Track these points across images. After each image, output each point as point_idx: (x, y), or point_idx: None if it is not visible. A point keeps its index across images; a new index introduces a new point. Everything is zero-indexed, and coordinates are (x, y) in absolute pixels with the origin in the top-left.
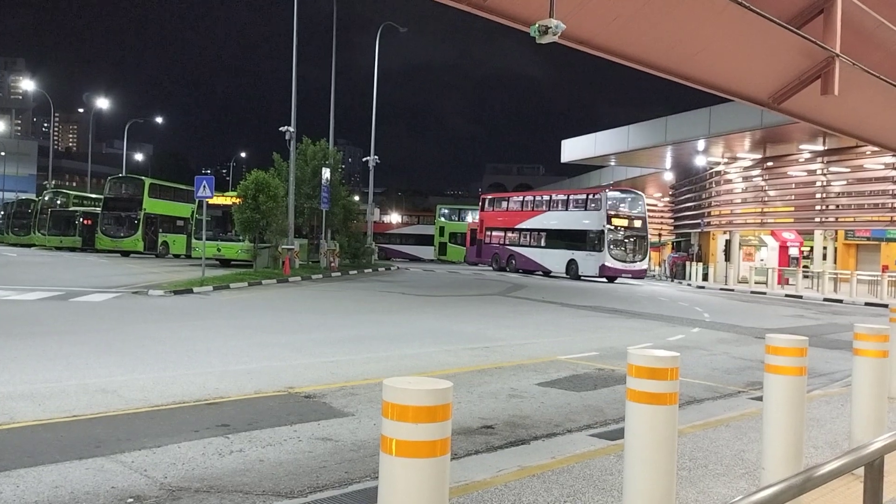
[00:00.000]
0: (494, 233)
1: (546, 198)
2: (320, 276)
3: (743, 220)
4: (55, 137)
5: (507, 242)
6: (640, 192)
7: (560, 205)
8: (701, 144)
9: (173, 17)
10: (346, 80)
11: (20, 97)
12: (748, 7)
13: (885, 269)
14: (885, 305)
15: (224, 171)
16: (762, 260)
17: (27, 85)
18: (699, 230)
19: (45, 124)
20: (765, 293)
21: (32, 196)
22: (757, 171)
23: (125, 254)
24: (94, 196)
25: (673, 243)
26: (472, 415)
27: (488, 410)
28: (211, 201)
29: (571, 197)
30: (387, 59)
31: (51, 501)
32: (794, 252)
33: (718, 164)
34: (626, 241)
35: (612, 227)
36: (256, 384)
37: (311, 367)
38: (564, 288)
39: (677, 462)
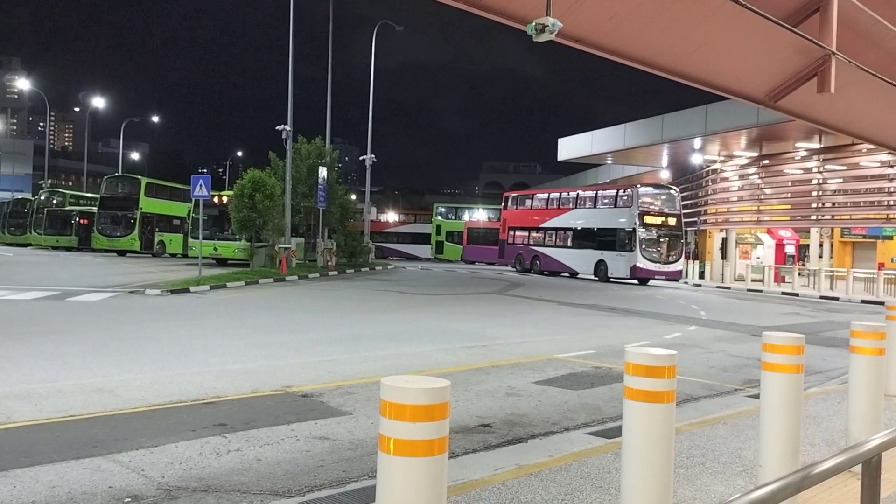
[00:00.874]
0: (518, 232)
1: (573, 195)
2: (317, 275)
3: (739, 218)
4: (51, 137)
5: (531, 242)
6: (674, 188)
7: (588, 202)
8: (697, 143)
9: (169, 16)
10: (342, 78)
11: (16, 96)
12: (744, 5)
13: (881, 266)
14: (882, 303)
15: (220, 169)
16: (758, 258)
17: (23, 84)
18: (696, 228)
19: (41, 123)
20: (761, 291)
21: (29, 195)
22: (753, 170)
23: (122, 253)
24: (90, 195)
25: None
26: (470, 413)
27: (486, 409)
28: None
29: (600, 193)
30: (383, 58)
31: (48, 501)
32: (790, 250)
33: (715, 162)
34: (659, 240)
35: (645, 226)
36: (254, 383)
37: (309, 366)
38: (562, 286)
39: (675, 460)
